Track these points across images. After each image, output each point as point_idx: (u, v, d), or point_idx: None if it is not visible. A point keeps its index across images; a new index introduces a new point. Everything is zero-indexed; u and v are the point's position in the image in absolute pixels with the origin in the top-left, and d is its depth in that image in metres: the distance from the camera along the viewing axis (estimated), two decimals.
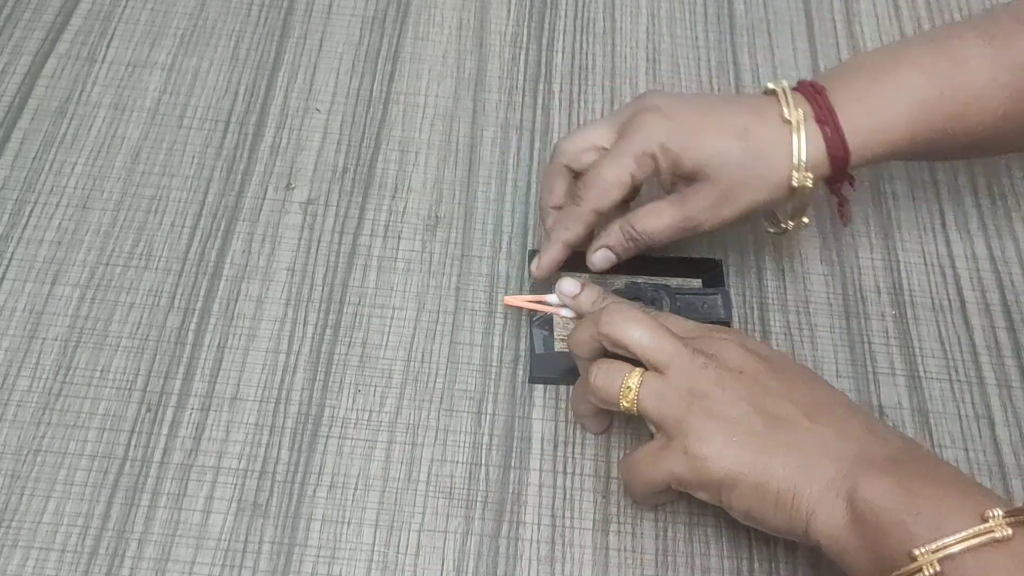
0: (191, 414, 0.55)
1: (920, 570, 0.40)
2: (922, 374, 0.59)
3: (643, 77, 0.72)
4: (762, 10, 0.77)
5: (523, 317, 0.60)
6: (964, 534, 0.40)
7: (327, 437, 0.55)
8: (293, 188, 0.65)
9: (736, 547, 0.53)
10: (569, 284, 0.55)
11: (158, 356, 0.57)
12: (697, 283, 0.61)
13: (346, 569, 0.51)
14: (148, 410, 0.55)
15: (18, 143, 0.65)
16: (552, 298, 0.59)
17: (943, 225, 0.66)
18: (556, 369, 0.57)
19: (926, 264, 0.64)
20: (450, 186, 0.65)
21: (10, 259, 0.60)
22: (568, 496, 0.54)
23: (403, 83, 0.70)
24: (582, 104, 0.70)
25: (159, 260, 0.61)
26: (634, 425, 0.56)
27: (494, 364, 0.58)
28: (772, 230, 0.59)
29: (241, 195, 0.64)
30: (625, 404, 0.48)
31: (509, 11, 0.75)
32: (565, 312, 0.58)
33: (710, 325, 0.52)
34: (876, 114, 0.53)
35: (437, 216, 0.64)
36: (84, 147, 0.65)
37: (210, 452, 0.54)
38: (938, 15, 0.77)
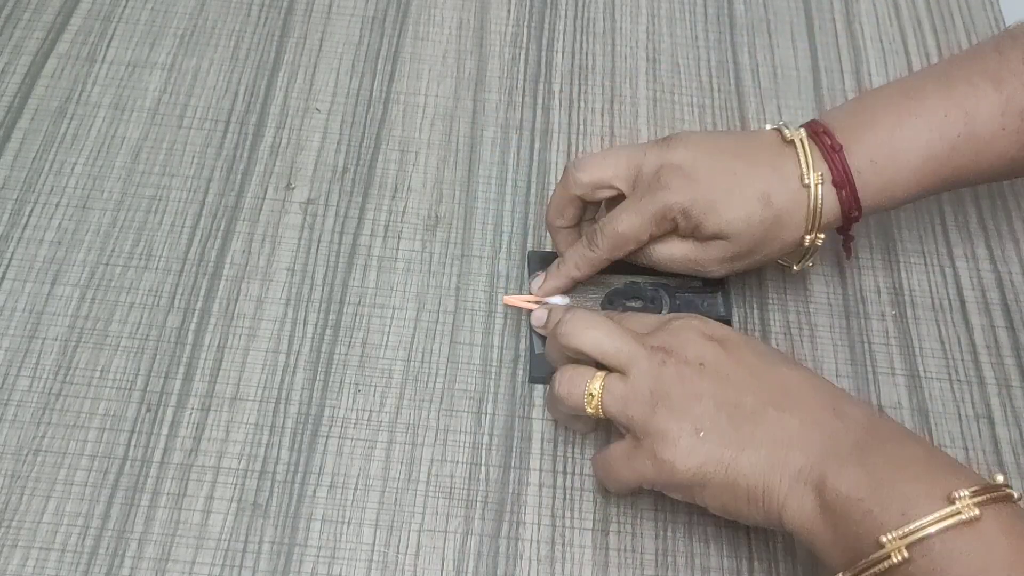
0: (191, 414, 0.55)
1: (888, 556, 0.40)
2: (922, 374, 0.59)
3: (643, 77, 0.72)
4: (762, 10, 0.77)
5: (523, 317, 0.60)
6: (930, 519, 0.40)
7: (327, 437, 0.55)
8: (293, 188, 0.65)
9: (736, 547, 0.53)
10: (538, 316, 0.56)
11: (158, 356, 0.57)
12: (697, 282, 0.61)
13: (346, 569, 0.51)
14: (148, 410, 0.55)
15: (18, 143, 0.65)
16: (552, 299, 0.59)
17: (943, 225, 0.66)
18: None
19: (926, 264, 0.64)
20: (450, 186, 0.65)
21: (10, 259, 0.60)
22: (568, 496, 0.54)
23: (403, 83, 0.70)
24: (582, 104, 0.70)
25: (159, 260, 0.61)
26: None
27: (494, 364, 0.58)
28: (781, 262, 0.60)
29: (241, 195, 0.64)
30: (590, 410, 0.49)
31: (509, 11, 0.75)
32: None
33: (671, 314, 0.52)
34: (890, 173, 0.54)
35: (437, 216, 0.64)
36: (84, 147, 0.65)
37: (210, 452, 0.54)
38: (938, 15, 0.77)
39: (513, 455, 0.55)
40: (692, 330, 0.49)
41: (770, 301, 0.62)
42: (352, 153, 0.67)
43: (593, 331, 0.49)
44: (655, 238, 0.55)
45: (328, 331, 0.59)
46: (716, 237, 0.54)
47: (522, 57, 0.73)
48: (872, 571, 0.41)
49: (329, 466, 0.54)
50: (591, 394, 0.48)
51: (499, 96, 0.70)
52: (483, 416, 0.56)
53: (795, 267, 0.59)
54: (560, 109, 0.70)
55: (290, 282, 0.60)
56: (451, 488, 0.54)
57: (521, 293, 0.61)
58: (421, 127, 0.68)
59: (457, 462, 0.55)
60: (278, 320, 0.59)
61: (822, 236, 0.54)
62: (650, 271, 0.61)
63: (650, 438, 0.46)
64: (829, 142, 0.53)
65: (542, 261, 0.61)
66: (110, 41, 0.71)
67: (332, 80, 0.70)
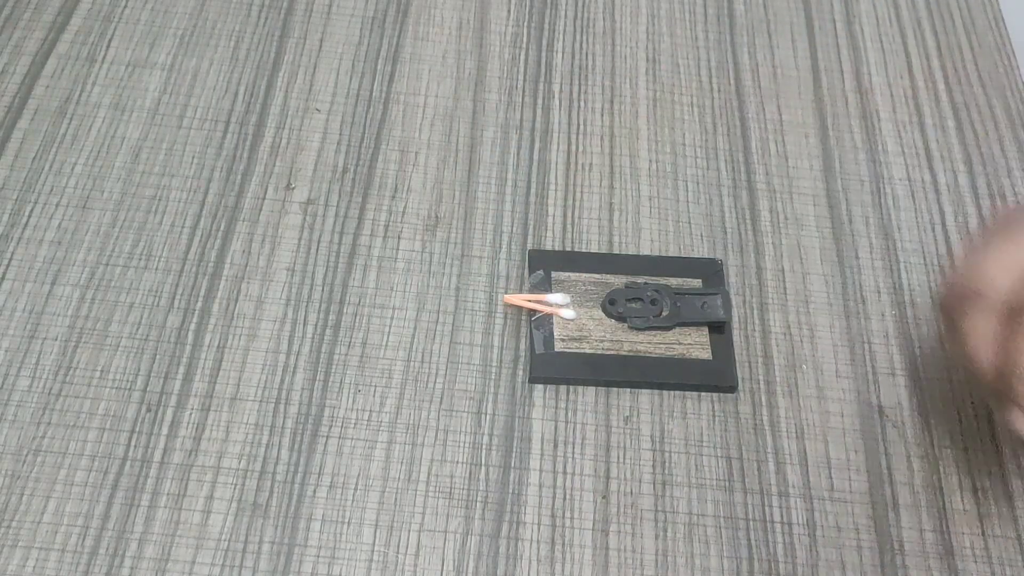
0: (191, 414, 0.55)
1: None
2: (922, 374, 0.59)
3: (643, 77, 0.72)
4: (762, 10, 0.77)
5: (523, 317, 0.60)
6: None
7: (327, 437, 0.55)
8: (293, 188, 0.65)
9: (736, 547, 0.53)
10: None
11: (158, 356, 0.57)
12: (697, 283, 0.61)
13: (346, 569, 0.51)
14: (148, 410, 0.55)
15: (18, 143, 0.65)
16: (552, 298, 0.59)
17: (943, 225, 0.66)
18: (556, 369, 0.57)
19: (926, 264, 0.64)
20: (450, 186, 0.65)
21: (10, 259, 0.60)
22: (568, 496, 0.54)
23: (403, 83, 0.70)
24: (582, 104, 0.70)
25: (159, 260, 0.61)
26: (634, 425, 0.56)
27: (494, 364, 0.58)
28: None
29: (241, 195, 0.64)
30: None
31: (509, 11, 0.75)
32: (565, 312, 0.59)
33: None
34: None
35: (437, 216, 0.64)
36: (84, 147, 0.65)
37: (210, 452, 0.54)
38: (938, 15, 0.77)
39: (513, 455, 0.55)
40: None
41: (770, 301, 0.62)
42: (352, 153, 0.67)
43: None
44: None
45: (328, 331, 0.59)
46: None
47: (522, 57, 0.73)
48: None
49: (329, 466, 0.54)
50: None
51: (499, 96, 0.70)
52: (483, 416, 0.56)
53: None
54: (560, 109, 0.70)
55: (290, 282, 0.60)
56: (451, 488, 0.54)
57: (521, 293, 0.61)
58: (421, 127, 0.68)
59: (457, 462, 0.55)
60: (278, 320, 0.59)
61: None
62: (650, 271, 0.61)
63: None
64: None
65: (542, 261, 0.61)
66: (110, 41, 0.71)
67: (332, 80, 0.70)
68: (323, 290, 0.60)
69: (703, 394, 0.58)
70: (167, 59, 0.70)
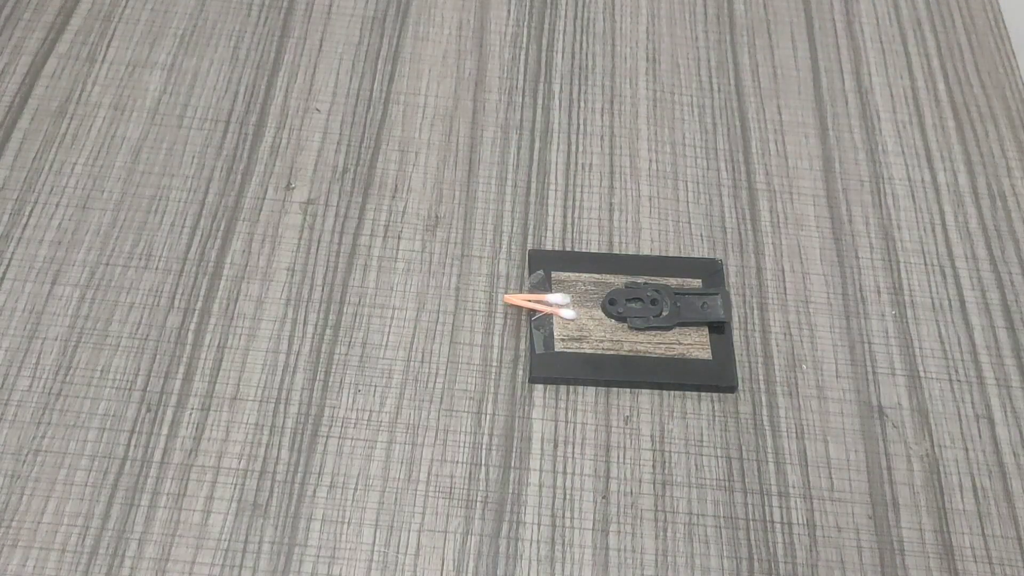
0: (191, 414, 0.55)
1: None
2: (922, 374, 0.59)
3: (643, 77, 0.72)
4: (762, 10, 0.77)
5: (523, 317, 0.60)
6: None
7: (327, 437, 0.55)
8: (293, 188, 0.65)
9: (736, 547, 0.53)
10: None
11: (158, 356, 0.57)
12: (697, 283, 0.61)
13: (346, 569, 0.51)
14: (148, 410, 0.55)
15: (18, 143, 0.65)
16: (552, 298, 0.59)
17: (943, 225, 0.66)
18: (556, 369, 0.57)
19: (926, 264, 0.64)
20: (450, 186, 0.65)
21: (10, 259, 0.60)
22: (568, 496, 0.54)
23: (403, 83, 0.70)
24: (582, 104, 0.70)
25: (159, 260, 0.61)
26: (634, 425, 0.56)
27: (494, 364, 0.58)
28: None
29: (241, 195, 0.64)
30: None
31: (509, 11, 0.75)
32: (565, 312, 0.59)
33: None
34: None
35: (437, 216, 0.64)
36: (84, 147, 0.65)
37: (210, 452, 0.54)
38: (938, 15, 0.77)
39: (513, 455, 0.55)
40: None
41: (770, 301, 0.62)
42: (352, 153, 0.67)
43: None
44: None
45: (328, 331, 0.59)
46: None
47: (522, 57, 0.73)
48: None
49: (329, 466, 0.54)
50: None
51: (499, 96, 0.70)
52: (483, 416, 0.56)
53: None
54: (560, 109, 0.70)
55: (290, 282, 0.60)
56: (451, 488, 0.54)
57: (521, 293, 0.61)
58: (421, 127, 0.68)
59: (457, 462, 0.55)
60: (278, 320, 0.59)
61: None
62: (650, 271, 0.61)
63: None
64: None
65: (542, 261, 0.61)
66: (110, 41, 0.71)
67: (332, 80, 0.70)
68: (323, 290, 0.60)
69: (703, 394, 0.58)
70: (167, 59, 0.70)
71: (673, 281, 0.61)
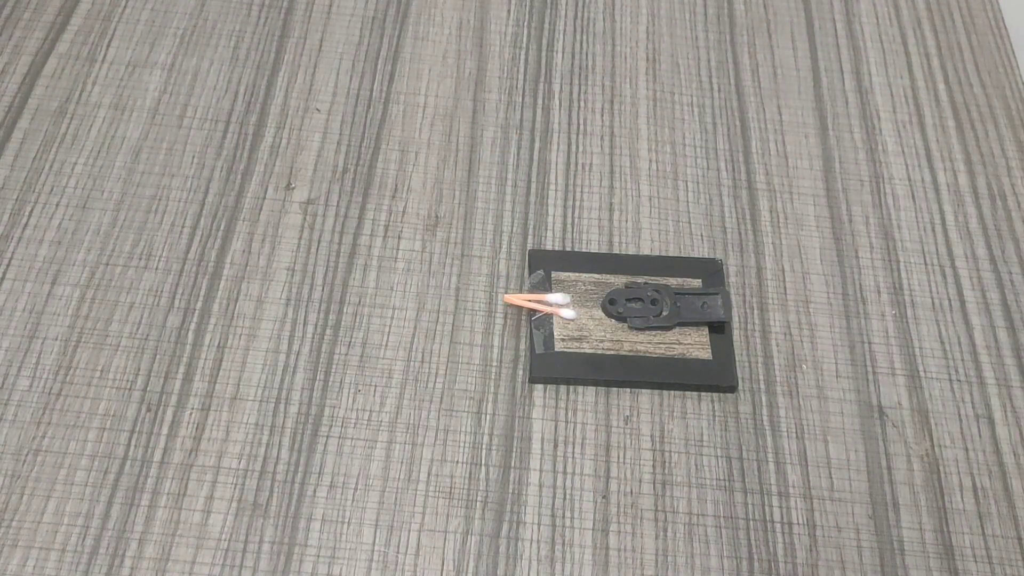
0: (191, 414, 0.55)
1: None
2: (922, 374, 0.59)
3: (643, 77, 0.72)
4: (762, 10, 0.77)
5: (523, 317, 0.60)
6: None
7: (327, 437, 0.55)
8: (293, 188, 0.65)
9: (736, 547, 0.53)
10: None
11: (158, 356, 0.57)
12: (697, 283, 0.61)
13: (346, 569, 0.51)
14: (148, 410, 0.55)
15: (18, 143, 0.65)
16: (552, 297, 0.59)
17: (943, 225, 0.66)
18: (556, 369, 0.57)
19: (926, 264, 0.64)
20: (450, 186, 0.65)
21: (10, 259, 0.60)
22: (568, 496, 0.54)
23: (403, 83, 0.70)
24: (582, 104, 0.70)
25: (159, 260, 0.61)
26: (634, 425, 0.56)
27: (494, 364, 0.58)
28: None
29: (241, 195, 0.64)
30: None
31: (509, 11, 0.75)
32: (565, 312, 0.59)
33: None
34: None
35: (437, 216, 0.64)
36: (84, 147, 0.66)
37: (210, 452, 0.54)
38: (938, 15, 0.77)
39: (513, 455, 0.55)
40: None
41: (770, 301, 0.62)
42: (352, 153, 0.67)
43: None
44: None
45: (328, 331, 0.59)
46: None
47: (522, 57, 0.73)
48: None
49: (329, 466, 0.54)
50: None
51: (499, 96, 0.70)
52: (483, 416, 0.56)
53: None
54: (560, 109, 0.70)
55: (290, 282, 0.60)
56: (451, 488, 0.54)
57: (521, 292, 0.61)
58: (421, 127, 0.68)
59: (457, 462, 0.55)
60: (278, 320, 0.59)
61: None
62: (650, 271, 0.61)
63: None
64: None
65: (542, 261, 0.61)
66: (110, 41, 0.71)
67: (332, 80, 0.70)
68: (323, 290, 0.60)
69: (703, 394, 0.58)
70: (167, 59, 0.70)
71: (673, 281, 0.61)
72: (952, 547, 0.53)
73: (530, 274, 0.61)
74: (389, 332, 0.59)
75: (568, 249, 0.63)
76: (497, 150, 0.67)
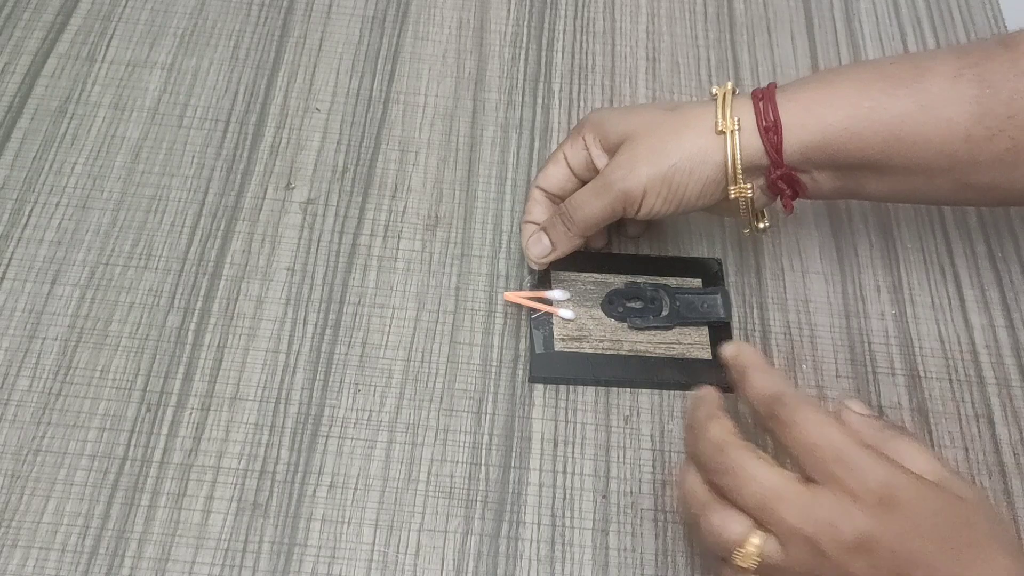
0: (191, 414, 0.55)
1: None
2: (922, 374, 0.59)
3: (643, 77, 0.72)
4: (762, 9, 0.77)
5: (523, 317, 0.60)
6: None
7: (327, 437, 0.55)
8: (293, 188, 0.65)
9: None
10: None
11: (158, 356, 0.57)
12: (697, 283, 0.61)
13: (346, 569, 0.51)
14: (148, 410, 0.55)
15: (18, 143, 0.65)
16: (552, 294, 0.59)
17: (943, 224, 0.66)
18: (556, 369, 0.57)
19: (926, 263, 0.64)
20: (450, 186, 0.65)
21: (10, 259, 0.60)
22: (568, 496, 0.54)
23: (403, 83, 0.70)
24: (582, 104, 0.70)
25: (159, 260, 0.61)
26: (634, 425, 0.56)
27: (494, 364, 0.58)
28: (746, 231, 0.58)
29: (241, 195, 0.64)
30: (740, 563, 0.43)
31: (509, 11, 0.75)
32: (564, 312, 0.59)
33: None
34: (819, 109, 0.52)
35: (437, 216, 0.64)
36: (84, 147, 0.66)
37: (210, 452, 0.54)
38: (938, 15, 0.77)
39: (513, 455, 0.55)
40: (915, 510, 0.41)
41: (770, 301, 0.62)
42: (352, 153, 0.67)
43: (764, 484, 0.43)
44: (573, 166, 0.57)
45: (328, 331, 0.59)
46: (620, 140, 0.54)
47: (522, 57, 0.73)
48: None
49: (329, 466, 0.54)
50: (748, 552, 0.43)
51: (499, 96, 0.70)
52: (483, 416, 0.56)
53: (746, 230, 0.57)
54: (560, 109, 0.70)
55: (290, 282, 0.60)
56: (451, 488, 0.54)
57: (521, 291, 0.61)
58: (421, 127, 0.68)
59: (457, 462, 0.55)
60: (278, 320, 0.59)
61: (748, 187, 0.53)
62: (650, 271, 0.61)
63: None
64: (760, 93, 0.53)
65: None
66: (110, 41, 0.71)
67: (332, 80, 0.70)
68: (323, 290, 0.60)
69: None
70: (167, 59, 0.70)
71: (673, 281, 0.61)
72: None
73: (529, 273, 0.61)
74: (389, 332, 0.59)
75: None
76: (497, 149, 0.67)
